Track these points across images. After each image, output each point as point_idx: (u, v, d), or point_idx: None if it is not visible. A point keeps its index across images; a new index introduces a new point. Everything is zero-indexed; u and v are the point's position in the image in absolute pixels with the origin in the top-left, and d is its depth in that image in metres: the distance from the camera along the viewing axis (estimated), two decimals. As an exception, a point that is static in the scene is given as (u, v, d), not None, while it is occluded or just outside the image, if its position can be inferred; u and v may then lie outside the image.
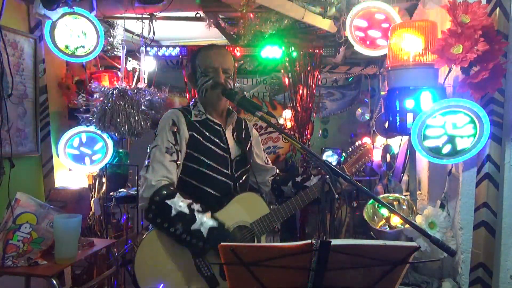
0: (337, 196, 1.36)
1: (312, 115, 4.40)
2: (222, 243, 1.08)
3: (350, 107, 5.83)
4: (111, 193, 3.54)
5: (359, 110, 4.71)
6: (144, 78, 3.64)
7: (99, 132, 3.32)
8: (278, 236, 4.50)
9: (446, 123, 2.03)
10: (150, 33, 3.60)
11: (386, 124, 2.41)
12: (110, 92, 3.16)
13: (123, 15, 3.49)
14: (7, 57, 2.27)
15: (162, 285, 1.69)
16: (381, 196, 2.45)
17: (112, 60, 3.95)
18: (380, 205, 2.35)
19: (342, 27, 3.28)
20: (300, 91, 4.26)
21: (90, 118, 3.21)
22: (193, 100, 1.98)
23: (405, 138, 2.60)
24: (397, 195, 2.42)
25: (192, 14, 3.72)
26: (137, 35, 3.77)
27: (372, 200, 2.37)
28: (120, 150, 3.81)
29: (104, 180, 3.58)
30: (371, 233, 2.37)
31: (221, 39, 4.32)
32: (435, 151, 2.06)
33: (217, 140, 1.88)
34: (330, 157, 4.56)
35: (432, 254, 2.06)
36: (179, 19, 3.90)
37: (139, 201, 1.73)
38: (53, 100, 3.37)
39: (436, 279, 2.31)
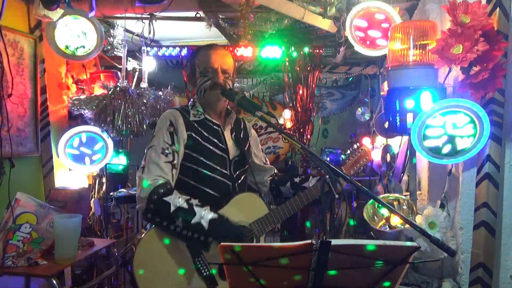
0: (337, 196, 1.36)
1: (312, 115, 4.40)
2: (222, 243, 1.08)
3: (350, 107, 5.84)
4: (111, 193, 3.54)
5: (359, 110, 4.71)
6: (144, 78, 3.64)
7: (99, 132, 3.32)
8: (278, 236, 4.50)
9: (446, 123, 2.03)
10: (150, 33, 3.60)
11: (386, 124, 2.41)
12: (111, 90, 3.16)
13: (123, 15, 3.49)
14: (7, 57, 2.27)
15: None
16: (381, 196, 2.45)
17: (112, 60, 3.95)
18: (380, 205, 2.35)
19: (342, 27, 3.28)
20: (300, 91, 4.26)
21: (90, 114, 3.21)
22: (192, 100, 1.98)
23: (405, 138, 2.60)
24: (397, 195, 2.42)
25: (192, 14, 3.72)
26: (137, 35, 3.77)
27: (372, 200, 2.37)
28: (120, 150, 3.81)
29: (104, 180, 3.58)
30: (371, 233, 2.37)
31: (221, 39, 4.33)
32: (435, 151, 2.06)
33: (215, 140, 1.87)
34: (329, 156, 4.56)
35: (432, 254, 2.06)
36: (179, 19, 3.90)
37: (137, 202, 1.72)
38: (53, 100, 3.37)
39: (436, 279, 2.31)
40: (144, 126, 3.24)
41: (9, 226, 2.21)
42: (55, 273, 2.19)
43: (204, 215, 1.68)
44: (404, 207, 2.37)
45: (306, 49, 4.18)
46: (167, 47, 4.29)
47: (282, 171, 2.25)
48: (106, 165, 3.47)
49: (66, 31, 3.07)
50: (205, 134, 1.86)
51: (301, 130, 4.34)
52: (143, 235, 1.76)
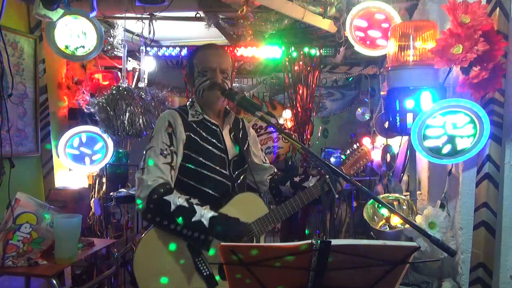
0: (337, 196, 1.36)
1: (312, 115, 4.40)
2: (222, 243, 1.08)
3: (350, 107, 5.83)
4: (111, 193, 3.54)
5: (359, 110, 4.71)
6: (144, 78, 3.64)
7: (99, 132, 3.32)
8: (278, 236, 4.50)
9: (446, 123, 2.03)
10: (150, 33, 3.60)
11: (386, 124, 2.41)
12: (113, 91, 3.16)
13: (123, 15, 3.49)
14: (7, 57, 2.27)
15: None
16: (381, 196, 2.45)
17: (112, 60, 3.95)
18: (380, 205, 2.35)
19: (342, 27, 3.28)
20: (300, 91, 4.26)
21: (94, 116, 3.21)
22: (190, 100, 1.97)
23: (405, 138, 2.60)
24: (397, 195, 2.42)
25: (192, 14, 3.72)
26: (137, 35, 3.77)
27: (372, 200, 2.37)
28: (120, 150, 3.81)
29: (104, 180, 3.58)
30: (371, 233, 2.37)
31: (221, 39, 4.33)
32: (435, 151, 2.06)
33: (214, 140, 1.87)
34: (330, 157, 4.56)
35: (432, 254, 2.07)
36: (179, 19, 3.90)
37: (137, 202, 1.72)
38: (53, 100, 3.37)
39: (436, 279, 2.32)
40: (146, 125, 3.25)
41: (9, 226, 2.21)
42: (55, 273, 2.18)
43: (204, 213, 1.68)
44: (404, 207, 2.37)
45: (306, 49, 4.18)
46: (167, 47, 4.29)
47: (282, 171, 2.25)
48: (106, 165, 3.47)
49: (66, 31, 3.07)
50: (204, 134, 1.86)
51: (301, 130, 4.34)
52: (143, 235, 1.76)
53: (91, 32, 3.13)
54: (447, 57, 1.96)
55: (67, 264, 2.37)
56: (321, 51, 4.19)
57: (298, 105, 4.29)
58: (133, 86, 3.47)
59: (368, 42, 2.91)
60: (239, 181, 1.93)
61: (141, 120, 3.21)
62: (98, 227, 3.51)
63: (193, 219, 1.66)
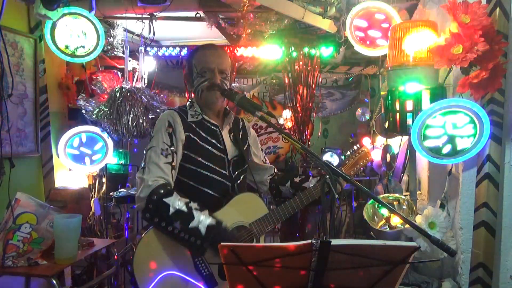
0: (337, 196, 1.36)
1: (312, 115, 4.40)
2: (222, 243, 1.08)
3: (350, 107, 5.83)
4: (111, 193, 3.54)
5: (359, 110, 4.71)
6: (144, 78, 3.64)
7: (99, 132, 3.32)
8: (278, 236, 4.49)
9: (446, 123, 2.03)
10: (150, 33, 3.60)
11: (386, 124, 2.41)
12: (116, 92, 3.16)
13: (123, 15, 3.49)
14: (7, 57, 2.27)
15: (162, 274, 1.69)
16: (381, 196, 2.45)
17: (112, 60, 3.95)
18: (380, 205, 2.35)
19: (342, 27, 3.28)
20: (300, 91, 4.26)
21: (95, 117, 3.21)
22: (190, 100, 1.97)
23: (405, 138, 2.60)
24: (397, 195, 2.42)
25: (192, 14, 3.72)
26: (137, 35, 3.77)
27: (372, 200, 2.37)
28: (120, 150, 3.81)
29: (104, 180, 3.58)
30: (371, 233, 2.37)
31: (221, 39, 4.32)
32: (435, 151, 2.06)
33: (213, 140, 1.87)
34: (330, 157, 4.55)
35: (432, 254, 2.07)
36: (179, 19, 3.90)
37: (136, 202, 1.72)
38: (53, 100, 3.37)
39: (436, 279, 2.31)
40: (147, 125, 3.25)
41: (9, 226, 2.21)
42: (55, 273, 2.19)
43: (203, 220, 1.67)
44: (404, 207, 2.37)
45: (306, 49, 4.18)
46: (167, 47, 4.29)
47: (282, 171, 2.25)
48: (106, 165, 3.47)
49: (66, 31, 3.07)
50: (203, 135, 1.86)
51: (301, 130, 4.33)
52: (143, 235, 1.76)
53: (91, 32, 3.13)
54: (447, 57, 1.96)
55: (67, 264, 2.37)
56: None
57: (298, 105, 4.29)
58: (133, 86, 3.47)
59: (368, 42, 2.91)
60: (239, 181, 1.93)
61: (144, 121, 3.22)
62: (98, 227, 3.51)
63: (190, 225, 1.66)
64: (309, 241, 1.05)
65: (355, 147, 2.03)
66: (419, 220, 2.18)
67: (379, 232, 2.31)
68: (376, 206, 2.39)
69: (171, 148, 1.78)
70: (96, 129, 3.33)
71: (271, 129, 5.39)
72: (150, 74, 3.80)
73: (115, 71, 3.67)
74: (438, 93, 2.15)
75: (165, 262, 1.73)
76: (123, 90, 3.19)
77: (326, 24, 3.35)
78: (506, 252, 2.04)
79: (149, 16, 3.54)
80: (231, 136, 1.96)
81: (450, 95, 2.27)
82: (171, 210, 1.66)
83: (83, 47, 3.14)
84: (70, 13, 3.02)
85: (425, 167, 2.86)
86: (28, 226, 2.23)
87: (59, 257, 2.26)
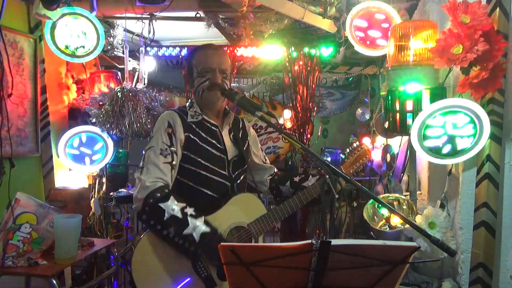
0: (337, 196, 1.36)
1: (312, 115, 4.40)
2: (222, 243, 1.08)
3: (350, 107, 5.84)
4: (111, 193, 3.54)
5: (359, 110, 4.71)
6: (144, 78, 3.64)
7: (99, 132, 3.32)
8: (278, 236, 4.50)
9: (446, 123, 2.03)
10: (150, 33, 3.60)
11: (386, 124, 2.41)
12: (118, 93, 3.16)
13: (123, 15, 3.49)
14: (7, 57, 2.27)
15: None
16: (381, 196, 2.45)
17: (112, 60, 3.95)
18: (380, 205, 2.35)
19: (342, 27, 3.28)
20: (300, 91, 4.26)
21: (95, 119, 3.21)
22: (189, 101, 1.97)
23: (405, 138, 2.60)
24: (397, 195, 2.42)
25: (192, 14, 3.72)
26: (137, 35, 3.77)
27: (372, 200, 2.37)
28: (120, 150, 3.81)
29: (104, 180, 3.58)
30: (371, 233, 2.37)
31: (221, 39, 4.33)
32: (435, 151, 2.06)
33: (213, 141, 1.87)
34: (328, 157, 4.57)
35: (432, 254, 2.06)
36: (179, 19, 3.90)
37: (134, 202, 1.72)
38: (53, 100, 3.37)
39: (436, 279, 2.31)
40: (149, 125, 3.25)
41: (9, 226, 2.21)
42: (55, 273, 2.19)
43: (197, 227, 1.66)
44: (404, 207, 2.37)
45: (306, 49, 4.18)
46: (167, 47, 4.30)
47: (282, 171, 2.25)
48: (106, 165, 3.47)
49: (66, 31, 3.07)
50: (203, 135, 1.85)
51: (301, 130, 4.34)
52: (142, 236, 1.76)
53: (91, 32, 3.13)
54: (447, 57, 1.96)
55: (67, 264, 2.37)
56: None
57: (298, 105, 4.29)
58: (133, 86, 3.47)
59: (368, 42, 2.91)
60: (238, 181, 1.93)
61: (147, 120, 3.22)
62: (98, 227, 3.51)
63: (184, 232, 1.65)
64: (309, 241, 1.05)
65: (354, 145, 2.03)
66: (419, 220, 2.18)
67: (379, 232, 2.31)
68: (376, 206, 2.39)
69: (171, 148, 1.77)
70: (96, 129, 3.33)
71: (271, 129, 5.40)
72: (150, 74, 3.80)
73: (115, 71, 3.68)
74: (438, 93, 2.15)
75: (164, 263, 1.72)
76: (125, 90, 3.19)
77: (326, 24, 3.35)
78: (506, 252, 2.04)
79: (149, 16, 3.54)
80: (231, 136, 1.96)
81: (450, 95, 2.27)
82: (166, 215, 1.65)
83: (83, 47, 3.14)
84: (70, 13, 3.02)
85: (425, 167, 2.86)
86: (28, 226, 2.23)
87: (59, 257, 2.26)
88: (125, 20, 3.57)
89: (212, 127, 1.89)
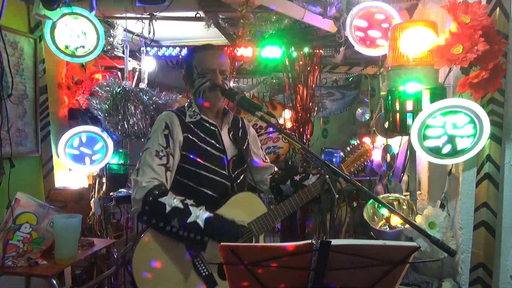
0: (337, 196, 1.36)
1: (312, 115, 4.40)
2: (222, 243, 1.08)
3: (350, 107, 5.83)
4: (111, 193, 3.54)
5: (359, 110, 4.71)
6: (144, 78, 3.64)
7: (99, 132, 3.32)
8: (278, 236, 4.50)
9: (446, 123, 2.03)
10: (150, 33, 3.60)
11: (386, 124, 2.41)
12: (117, 91, 3.16)
13: (123, 15, 3.49)
14: (7, 57, 2.27)
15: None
16: (381, 196, 2.45)
17: (112, 60, 3.95)
18: (380, 205, 2.35)
19: (342, 27, 3.28)
20: (300, 91, 4.25)
21: (96, 115, 3.22)
22: (188, 101, 1.97)
23: (405, 138, 2.60)
24: (397, 195, 2.42)
25: (192, 14, 3.72)
26: (137, 35, 3.77)
27: (372, 200, 2.37)
28: (120, 150, 3.81)
29: (104, 180, 3.58)
30: (371, 233, 2.37)
31: (221, 39, 4.32)
32: (435, 151, 2.06)
33: (212, 141, 1.87)
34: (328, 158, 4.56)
35: (432, 254, 2.06)
36: (179, 19, 3.90)
37: (132, 204, 1.72)
38: (53, 100, 3.37)
39: (436, 279, 2.31)
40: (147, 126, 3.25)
41: (9, 226, 2.21)
42: (55, 273, 2.19)
43: (200, 214, 1.68)
44: (404, 207, 2.37)
45: (306, 49, 4.18)
46: (167, 47, 4.29)
47: (282, 171, 2.25)
48: (106, 165, 3.47)
49: (66, 31, 3.07)
50: (202, 135, 1.86)
51: (301, 130, 4.33)
52: (142, 235, 1.76)
53: (91, 32, 3.13)
54: (447, 57, 1.96)
55: (67, 264, 2.37)
56: (321, 50, 4.18)
57: (298, 105, 4.29)
58: (133, 86, 3.47)
59: (368, 42, 2.91)
60: (238, 181, 1.93)
61: (148, 121, 3.22)
62: (98, 227, 3.51)
63: (188, 220, 1.66)
64: (309, 241, 1.05)
65: (355, 143, 2.03)
66: (419, 220, 2.18)
67: (379, 232, 2.31)
68: (376, 206, 2.39)
69: (167, 150, 1.77)
70: (96, 129, 3.33)
71: (271, 128, 5.39)
72: (150, 74, 3.80)
73: (115, 71, 3.68)
74: (438, 93, 2.15)
75: (164, 263, 1.72)
76: (126, 90, 3.19)
77: (326, 24, 3.35)
78: (506, 252, 2.04)
79: (149, 16, 3.54)
80: (230, 136, 1.96)
81: (450, 95, 2.27)
82: (168, 208, 1.66)
83: (83, 47, 3.14)
84: (70, 13, 3.02)
85: (425, 167, 2.86)
86: (28, 226, 2.23)
87: (59, 257, 2.26)
88: (125, 20, 3.57)
89: (211, 127, 1.89)
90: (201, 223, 1.66)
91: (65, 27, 3.06)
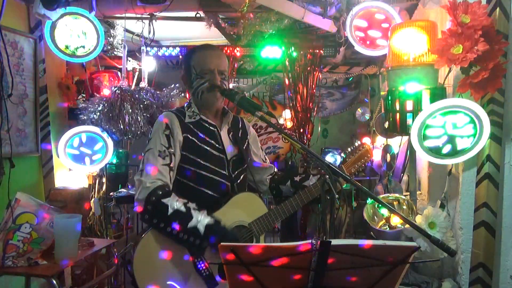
0: (337, 196, 1.36)
1: (312, 115, 4.40)
2: (222, 243, 1.08)
3: (350, 107, 5.83)
4: (111, 193, 3.54)
5: (359, 110, 4.71)
6: (144, 78, 3.64)
7: (99, 132, 3.32)
8: (278, 236, 4.50)
9: (446, 123, 2.03)
10: (150, 33, 3.60)
11: (386, 124, 2.41)
12: (116, 91, 3.16)
13: (123, 15, 3.49)
14: (7, 57, 2.27)
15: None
16: (381, 196, 2.45)
17: (112, 60, 3.95)
18: (380, 205, 2.35)
19: (342, 27, 3.28)
20: (300, 91, 4.26)
21: (92, 117, 3.21)
22: (188, 101, 1.97)
23: (405, 138, 2.60)
24: (397, 195, 2.43)
25: (192, 14, 3.72)
26: (137, 35, 3.77)
27: (372, 200, 2.37)
28: (120, 150, 3.81)
29: (104, 180, 3.58)
30: (371, 233, 2.37)
31: (221, 39, 4.32)
32: (435, 151, 2.06)
33: (212, 141, 1.87)
34: (330, 157, 4.56)
35: (432, 254, 2.06)
36: (179, 19, 3.90)
37: (135, 204, 1.72)
38: (53, 100, 3.37)
39: (436, 279, 2.31)
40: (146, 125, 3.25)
41: (9, 226, 2.21)
42: (55, 273, 2.19)
43: (201, 219, 1.68)
44: (404, 207, 2.37)
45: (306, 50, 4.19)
46: (167, 47, 4.29)
47: (282, 171, 2.25)
48: (106, 165, 3.47)
49: (66, 31, 3.07)
50: (201, 135, 1.85)
51: (301, 130, 4.33)
52: (143, 235, 1.76)
53: (91, 32, 3.13)
54: (447, 57, 1.96)
55: (67, 264, 2.37)
56: (321, 51, 4.18)
57: (298, 105, 4.29)
58: (133, 86, 3.47)
59: (368, 42, 2.91)
60: (238, 181, 1.93)
61: (144, 121, 3.22)
62: (98, 227, 3.51)
63: (189, 225, 1.66)
64: (309, 241, 1.05)
65: (356, 144, 2.03)
66: (419, 220, 2.18)
67: (379, 232, 2.31)
68: (376, 206, 2.39)
69: (169, 150, 1.78)
70: (96, 129, 3.32)
71: (271, 129, 5.39)
72: (150, 74, 3.80)
73: (115, 71, 3.67)
74: (438, 93, 2.15)
75: (165, 263, 1.72)
76: (124, 89, 3.19)
77: (326, 24, 3.35)
78: (506, 252, 2.04)
79: (149, 16, 3.54)
80: (230, 136, 1.96)
81: (450, 95, 2.27)
82: (170, 210, 1.66)
83: (83, 47, 3.14)
84: (70, 13, 3.02)
85: (425, 167, 2.86)
86: (28, 226, 2.23)
87: (59, 257, 2.26)
88: (125, 20, 3.57)
89: (210, 127, 1.89)
90: (201, 228, 1.66)
91: (65, 27, 3.06)
